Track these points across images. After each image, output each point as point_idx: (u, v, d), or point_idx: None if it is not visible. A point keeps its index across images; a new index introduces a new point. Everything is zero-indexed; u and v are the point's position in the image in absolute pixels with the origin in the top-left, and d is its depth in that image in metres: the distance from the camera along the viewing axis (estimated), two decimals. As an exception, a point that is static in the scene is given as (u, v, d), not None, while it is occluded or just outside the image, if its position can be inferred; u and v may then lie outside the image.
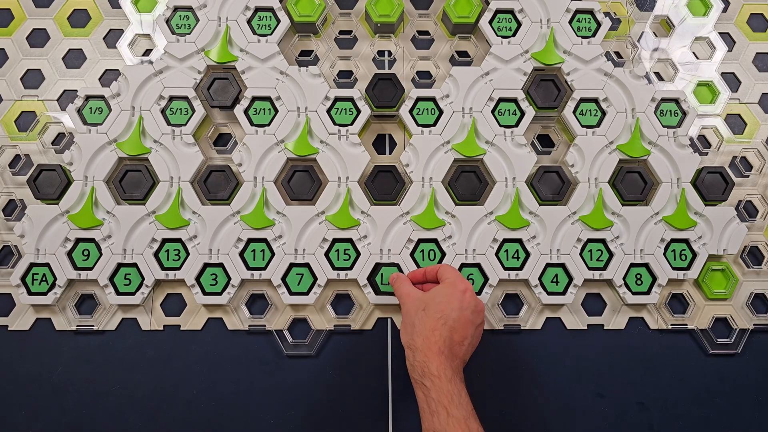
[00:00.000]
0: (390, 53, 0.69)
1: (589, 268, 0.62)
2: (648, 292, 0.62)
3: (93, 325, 0.62)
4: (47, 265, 0.61)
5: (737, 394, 0.62)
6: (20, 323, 0.62)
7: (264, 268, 0.61)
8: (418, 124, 0.64)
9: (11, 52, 0.68)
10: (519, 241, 0.63)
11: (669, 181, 0.64)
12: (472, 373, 0.62)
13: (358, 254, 0.62)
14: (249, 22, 0.66)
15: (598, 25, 0.67)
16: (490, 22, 0.67)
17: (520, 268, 0.62)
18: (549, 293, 0.62)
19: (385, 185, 0.63)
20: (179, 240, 0.62)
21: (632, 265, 0.63)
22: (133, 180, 0.63)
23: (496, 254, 0.62)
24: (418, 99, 0.65)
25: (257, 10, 0.66)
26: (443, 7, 0.68)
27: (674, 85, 0.68)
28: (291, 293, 0.61)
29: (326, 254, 0.62)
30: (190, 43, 0.65)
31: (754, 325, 0.63)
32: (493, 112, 0.65)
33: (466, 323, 0.52)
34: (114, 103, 0.64)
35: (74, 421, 0.60)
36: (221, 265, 0.61)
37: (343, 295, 0.63)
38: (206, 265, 0.61)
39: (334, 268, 0.62)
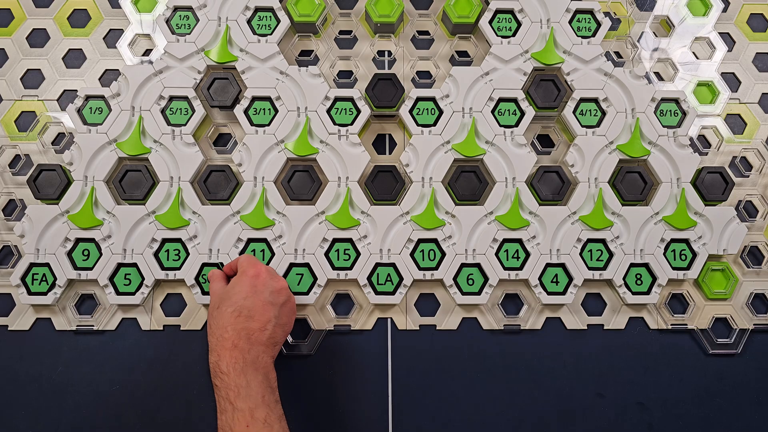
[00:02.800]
0: (390, 53, 0.69)
1: (589, 268, 0.62)
2: (648, 292, 0.62)
3: (93, 325, 0.62)
4: (47, 265, 0.61)
5: (737, 394, 0.62)
6: (20, 323, 0.62)
7: (264, 268, 0.61)
8: (418, 124, 0.64)
9: (11, 52, 0.68)
10: (519, 241, 0.63)
11: (669, 181, 0.64)
12: (472, 373, 0.62)
13: (358, 254, 0.62)
14: (249, 22, 0.66)
15: (598, 25, 0.67)
16: (490, 22, 0.67)
17: (520, 268, 0.62)
18: (549, 293, 0.62)
19: (385, 185, 0.63)
20: (179, 240, 0.62)
21: (632, 265, 0.63)
22: (133, 180, 0.63)
23: (496, 254, 0.62)
24: (418, 99, 0.65)
25: (257, 10, 0.66)
26: (443, 7, 0.69)
27: (674, 85, 0.68)
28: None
29: (326, 254, 0.62)
30: (190, 43, 0.65)
31: (754, 325, 0.63)
32: (493, 112, 0.65)
33: (265, 306, 0.50)
34: (114, 103, 0.64)
35: (74, 421, 0.60)
36: (221, 264, 0.61)
37: (343, 295, 0.63)
38: (206, 265, 0.61)
39: (334, 268, 0.62)
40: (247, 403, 0.45)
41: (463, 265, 0.62)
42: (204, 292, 0.61)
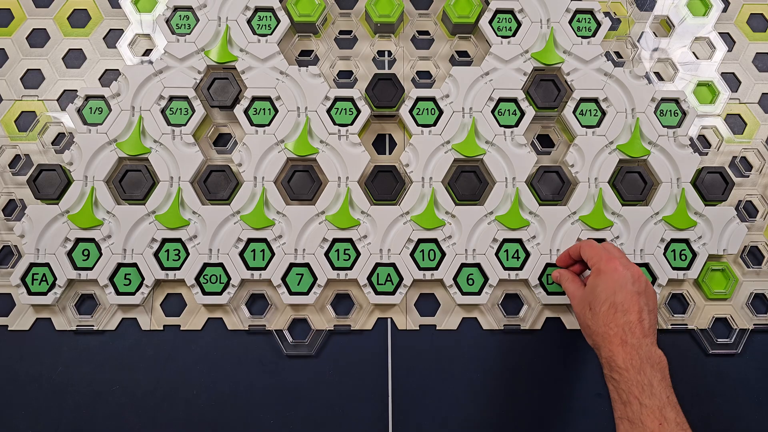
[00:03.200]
0: (390, 53, 0.69)
1: (548, 294, 0.62)
2: (648, 292, 0.62)
3: (93, 325, 0.62)
4: (47, 265, 0.61)
5: (737, 394, 0.62)
6: (20, 323, 0.62)
7: (264, 268, 0.61)
8: (418, 124, 0.64)
9: (11, 52, 0.68)
10: (519, 241, 0.63)
11: (669, 181, 0.64)
12: (472, 373, 0.62)
13: (358, 254, 0.62)
14: (249, 22, 0.66)
15: (598, 25, 0.67)
16: (490, 22, 0.67)
17: (520, 268, 0.62)
18: (549, 293, 0.62)
19: (385, 185, 0.63)
20: (179, 240, 0.62)
21: (632, 265, 0.63)
22: (133, 180, 0.63)
23: (496, 254, 0.62)
24: (418, 99, 0.65)
25: (257, 10, 0.66)
26: (443, 7, 0.69)
27: (674, 85, 0.68)
28: (291, 293, 0.61)
29: (326, 254, 0.62)
30: (190, 43, 0.65)
31: (754, 325, 0.63)
32: (493, 112, 0.65)
33: (633, 297, 0.50)
34: (114, 103, 0.64)
35: (74, 421, 0.60)
36: (221, 265, 0.61)
37: (343, 295, 0.63)
38: (206, 265, 0.61)
39: (334, 268, 0.62)
40: (653, 401, 0.47)
41: (463, 265, 0.62)
42: (205, 293, 0.61)
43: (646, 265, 0.62)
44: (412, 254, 0.62)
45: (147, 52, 0.68)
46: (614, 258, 0.53)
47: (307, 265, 0.62)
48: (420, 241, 0.62)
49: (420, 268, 0.62)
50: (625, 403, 0.48)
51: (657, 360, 0.49)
